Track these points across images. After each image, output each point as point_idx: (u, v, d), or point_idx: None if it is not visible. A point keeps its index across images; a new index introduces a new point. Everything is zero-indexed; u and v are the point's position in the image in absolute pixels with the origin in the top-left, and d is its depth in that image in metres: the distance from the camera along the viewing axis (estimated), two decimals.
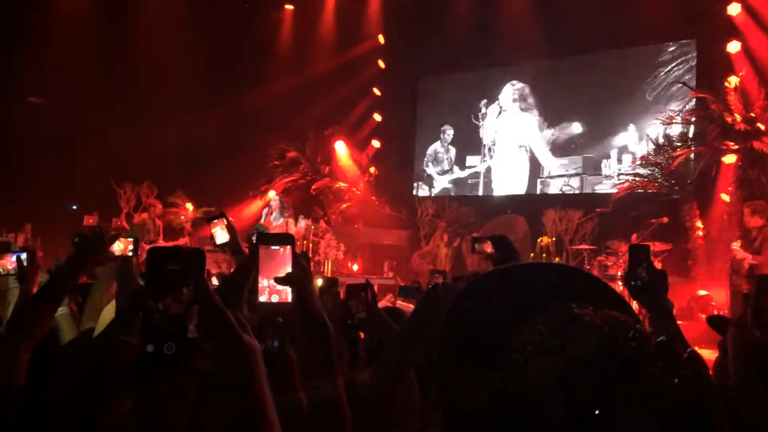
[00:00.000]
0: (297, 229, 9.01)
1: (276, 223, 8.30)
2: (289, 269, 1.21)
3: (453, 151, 14.33)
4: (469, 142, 14.07)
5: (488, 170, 13.76)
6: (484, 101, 13.86)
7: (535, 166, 13.13)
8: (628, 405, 0.65)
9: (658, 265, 7.48)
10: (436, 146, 14.52)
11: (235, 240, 2.29)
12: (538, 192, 13.01)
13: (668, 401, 0.66)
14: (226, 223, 2.33)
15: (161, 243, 9.76)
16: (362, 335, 2.11)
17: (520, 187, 13.29)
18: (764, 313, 1.97)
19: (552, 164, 12.88)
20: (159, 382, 0.85)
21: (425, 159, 14.64)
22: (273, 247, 1.23)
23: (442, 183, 14.42)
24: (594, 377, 0.66)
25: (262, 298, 1.22)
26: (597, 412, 0.64)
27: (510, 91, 13.62)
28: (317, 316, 1.19)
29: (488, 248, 2.51)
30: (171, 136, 12.36)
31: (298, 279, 1.21)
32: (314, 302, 1.21)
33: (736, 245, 7.58)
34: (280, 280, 1.20)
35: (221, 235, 2.32)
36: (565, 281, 0.85)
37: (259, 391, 0.80)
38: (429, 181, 14.55)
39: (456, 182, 14.22)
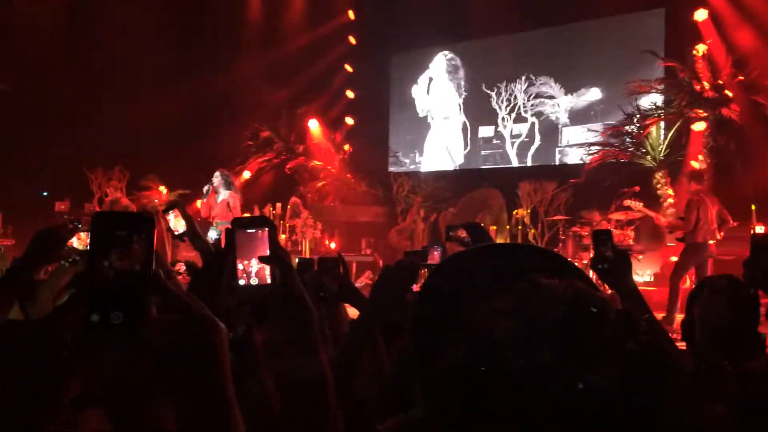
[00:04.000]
0: (273, 210, 8.94)
1: (221, 199, 8.09)
2: (266, 252, 1.21)
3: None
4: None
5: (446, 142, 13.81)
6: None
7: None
8: (586, 364, 0.69)
9: (630, 233, 7.66)
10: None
11: (192, 227, 2.30)
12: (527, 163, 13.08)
13: (624, 363, 0.70)
14: (181, 212, 2.32)
15: None
16: None
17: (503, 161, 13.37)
18: (757, 272, 2.05)
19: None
20: (106, 356, 0.80)
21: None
22: (249, 230, 1.23)
23: (416, 160, 14.45)
24: (556, 338, 0.70)
25: (242, 282, 1.22)
26: (557, 368, 0.68)
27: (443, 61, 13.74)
28: (298, 295, 1.19)
29: (463, 234, 2.55)
30: (142, 120, 12.16)
31: (281, 258, 1.21)
32: (295, 281, 1.21)
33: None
34: (264, 259, 1.20)
35: (179, 224, 2.33)
36: (532, 259, 0.90)
37: (221, 372, 0.77)
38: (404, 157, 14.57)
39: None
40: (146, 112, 12.01)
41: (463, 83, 13.79)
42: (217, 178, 8.21)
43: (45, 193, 12.82)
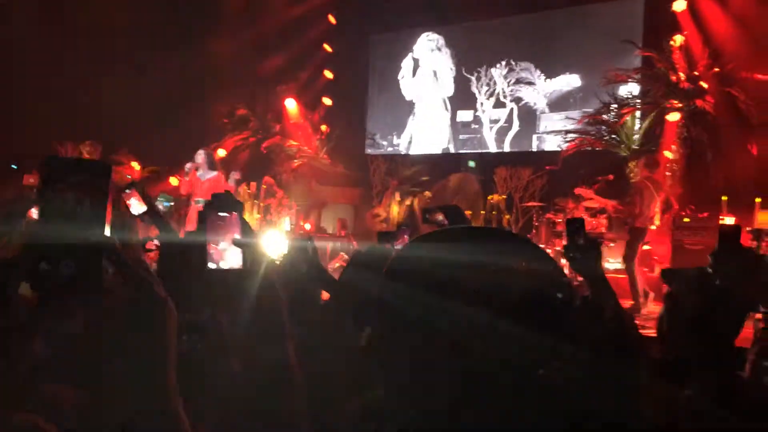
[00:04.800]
0: (229, 186, 8.92)
1: (206, 178, 8.14)
2: (236, 235, 1.21)
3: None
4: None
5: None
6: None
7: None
8: (552, 347, 0.69)
9: (604, 221, 7.75)
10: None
11: (151, 206, 2.29)
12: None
13: (589, 347, 0.71)
14: (139, 192, 2.31)
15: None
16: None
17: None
18: (722, 262, 2.08)
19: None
20: (53, 310, 0.78)
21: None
22: (220, 214, 1.22)
23: (393, 143, 14.40)
24: (522, 322, 0.70)
25: (212, 265, 1.21)
26: (523, 352, 0.68)
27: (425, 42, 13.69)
28: (268, 282, 1.20)
29: (440, 217, 2.53)
30: (115, 94, 11.94)
31: (250, 243, 1.21)
32: (262, 266, 1.21)
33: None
34: (237, 243, 1.20)
35: (137, 205, 2.31)
36: (504, 244, 0.89)
37: (162, 349, 0.77)
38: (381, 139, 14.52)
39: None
40: (121, 87, 11.79)
41: (447, 66, 13.73)
42: (200, 156, 8.24)
43: (14, 166, 12.55)
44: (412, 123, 14.06)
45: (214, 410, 0.80)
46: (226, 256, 1.21)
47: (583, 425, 0.70)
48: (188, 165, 8.20)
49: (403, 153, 13.89)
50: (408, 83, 14.18)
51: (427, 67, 13.93)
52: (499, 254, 0.80)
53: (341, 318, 1.57)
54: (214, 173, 8.26)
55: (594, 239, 1.84)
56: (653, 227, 7.53)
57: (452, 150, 13.54)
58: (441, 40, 13.76)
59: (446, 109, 13.65)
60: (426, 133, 13.80)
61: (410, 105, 14.13)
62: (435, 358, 0.73)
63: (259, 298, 1.20)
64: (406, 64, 14.20)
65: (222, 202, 1.25)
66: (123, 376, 0.77)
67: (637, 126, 10.22)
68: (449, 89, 13.65)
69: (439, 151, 13.66)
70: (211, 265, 1.21)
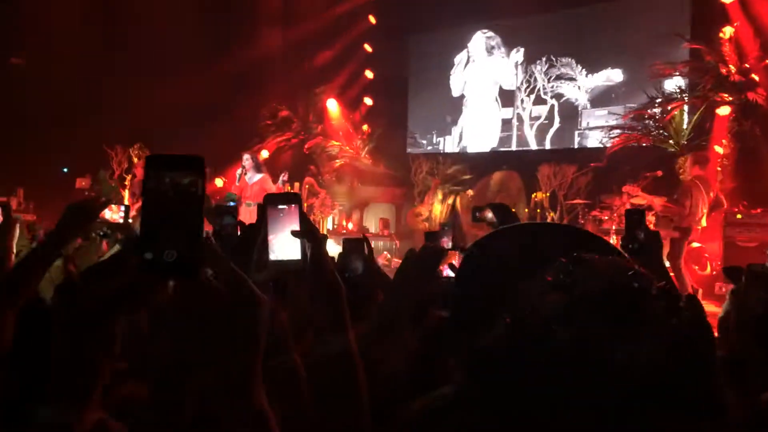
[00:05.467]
0: (277, 186, 9.11)
1: (253, 181, 8.40)
2: (296, 227, 1.24)
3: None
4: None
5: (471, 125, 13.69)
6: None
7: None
8: (630, 338, 0.70)
9: (651, 218, 7.64)
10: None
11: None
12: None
13: (667, 337, 0.71)
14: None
15: None
16: None
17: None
18: None
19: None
20: (158, 295, 0.78)
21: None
22: (280, 206, 1.25)
23: (435, 142, 14.31)
24: (600, 312, 0.72)
25: (272, 257, 1.23)
26: (602, 340, 0.70)
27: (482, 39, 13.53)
28: (328, 271, 1.22)
29: (489, 215, 2.53)
30: (162, 98, 12.19)
31: (312, 233, 1.24)
32: (326, 258, 1.23)
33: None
34: (296, 233, 1.22)
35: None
36: (573, 239, 0.93)
37: (257, 348, 0.78)
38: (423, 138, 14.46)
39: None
40: (166, 90, 12.03)
41: (501, 63, 13.52)
42: (247, 161, 8.59)
43: (65, 170, 12.94)
44: (462, 120, 13.90)
45: (277, 404, 0.81)
46: (285, 247, 1.24)
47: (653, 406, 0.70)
48: (239, 171, 8.56)
49: (446, 151, 13.80)
50: (460, 79, 13.97)
51: (481, 63, 13.71)
52: (571, 248, 0.81)
53: (398, 316, 1.58)
54: (261, 175, 8.51)
55: (655, 232, 1.81)
56: (699, 228, 7.42)
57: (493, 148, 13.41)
58: (498, 38, 13.52)
59: (499, 106, 13.42)
60: (477, 129, 13.62)
61: (454, 103, 13.99)
62: (520, 348, 0.74)
63: (320, 291, 1.21)
64: (460, 59, 14.00)
65: (281, 196, 1.27)
66: (209, 374, 0.78)
67: (686, 120, 9.98)
68: (504, 85, 13.43)
69: (488, 149, 13.43)
70: (271, 257, 1.23)
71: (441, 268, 1.84)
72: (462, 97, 13.93)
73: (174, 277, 0.73)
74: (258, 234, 1.22)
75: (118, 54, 12.58)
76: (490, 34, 13.57)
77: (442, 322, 1.62)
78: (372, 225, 12.68)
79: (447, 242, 2.22)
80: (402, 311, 1.61)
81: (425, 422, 1.05)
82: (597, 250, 0.85)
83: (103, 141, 12.07)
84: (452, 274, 1.89)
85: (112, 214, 2.34)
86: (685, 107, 9.94)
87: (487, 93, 13.58)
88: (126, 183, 11.53)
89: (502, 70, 13.40)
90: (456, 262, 1.93)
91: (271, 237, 1.24)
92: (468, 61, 13.85)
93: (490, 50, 13.62)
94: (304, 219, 1.25)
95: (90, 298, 0.78)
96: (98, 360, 0.78)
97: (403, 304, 1.62)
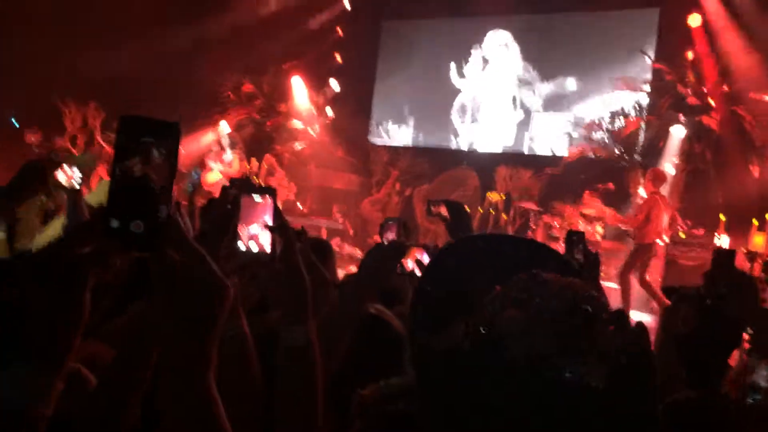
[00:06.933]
0: (249, 166, 9.00)
1: (227, 159, 8.27)
2: (268, 219, 1.24)
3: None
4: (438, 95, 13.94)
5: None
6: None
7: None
8: (580, 356, 0.74)
9: (600, 229, 7.81)
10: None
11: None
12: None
13: (614, 357, 0.75)
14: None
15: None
16: None
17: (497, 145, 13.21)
18: (718, 284, 2.11)
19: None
20: (119, 263, 0.78)
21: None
22: (255, 197, 1.25)
23: (397, 133, 14.26)
24: (554, 330, 0.75)
25: (242, 247, 1.24)
26: (554, 358, 0.74)
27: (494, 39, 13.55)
28: (297, 266, 1.25)
29: (443, 211, 2.56)
30: (123, 59, 11.83)
31: (286, 229, 1.26)
32: (296, 253, 1.26)
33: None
34: (271, 228, 1.24)
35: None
36: (536, 254, 0.97)
37: (215, 334, 0.77)
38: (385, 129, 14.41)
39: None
40: (129, 53, 11.70)
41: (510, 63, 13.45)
42: (225, 139, 8.49)
43: (13, 120, 12.42)
44: (420, 114, 13.89)
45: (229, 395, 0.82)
46: (254, 239, 1.25)
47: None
48: (215, 147, 8.45)
49: (403, 145, 13.78)
50: (465, 76, 13.87)
51: (495, 63, 13.59)
52: (527, 263, 0.85)
53: (359, 308, 1.64)
54: (232, 157, 8.39)
55: (594, 255, 1.85)
56: (661, 243, 7.64)
57: (451, 145, 13.48)
58: (510, 37, 13.42)
59: (514, 106, 13.21)
60: (488, 127, 13.52)
61: (416, 95, 13.96)
62: (473, 356, 0.78)
63: (288, 284, 1.25)
64: (474, 57, 13.86)
65: (257, 187, 1.28)
66: (161, 354, 0.78)
67: (641, 137, 10.22)
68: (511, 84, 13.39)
69: (500, 150, 13.00)
70: (242, 247, 1.24)
71: (404, 261, 1.89)
72: (426, 90, 13.93)
73: (137, 249, 0.72)
74: (230, 222, 1.22)
75: (81, 12, 12.11)
76: (502, 33, 13.45)
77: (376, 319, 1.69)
78: (326, 209, 12.64)
79: (389, 236, 2.25)
80: (360, 303, 1.66)
81: (375, 407, 1.11)
82: (559, 268, 0.89)
83: (56, 93, 11.62)
84: (416, 270, 1.94)
85: (63, 175, 2.28)
86: (642, 124, 10.19)
87: (453, 89, 13.63)
88: (78, 143, 11.17)
89: (507, 71, 13.33)
90: (421, 257, 1.96)
91: (241, 226, 1.24)
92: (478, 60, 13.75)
93: (455, 46, 13.62)
94: (278, 214, 1.26)
95: (59, 262, 0.76)
96: (73, 322, 0.77)
97: (364, 296, 1.66)
